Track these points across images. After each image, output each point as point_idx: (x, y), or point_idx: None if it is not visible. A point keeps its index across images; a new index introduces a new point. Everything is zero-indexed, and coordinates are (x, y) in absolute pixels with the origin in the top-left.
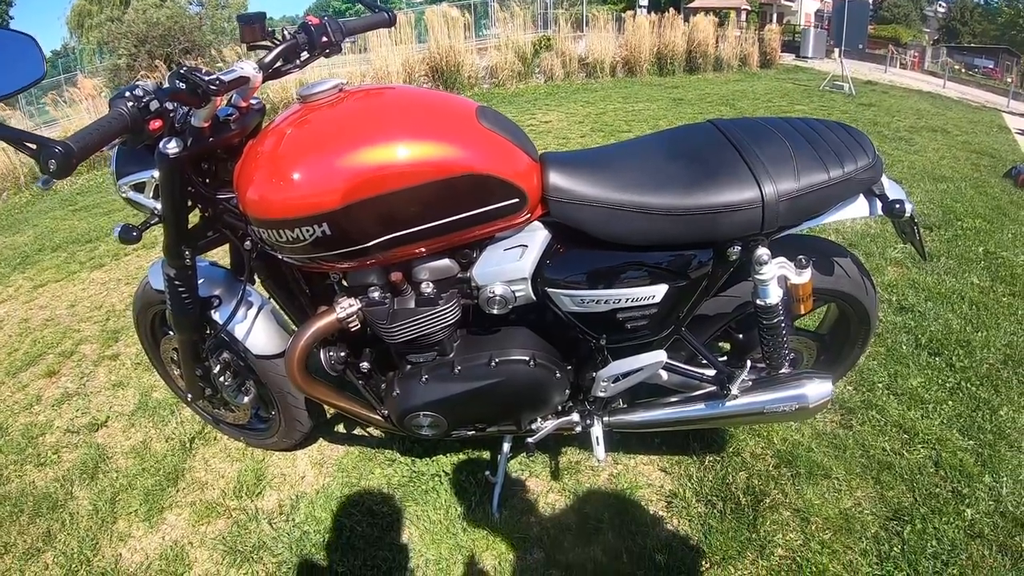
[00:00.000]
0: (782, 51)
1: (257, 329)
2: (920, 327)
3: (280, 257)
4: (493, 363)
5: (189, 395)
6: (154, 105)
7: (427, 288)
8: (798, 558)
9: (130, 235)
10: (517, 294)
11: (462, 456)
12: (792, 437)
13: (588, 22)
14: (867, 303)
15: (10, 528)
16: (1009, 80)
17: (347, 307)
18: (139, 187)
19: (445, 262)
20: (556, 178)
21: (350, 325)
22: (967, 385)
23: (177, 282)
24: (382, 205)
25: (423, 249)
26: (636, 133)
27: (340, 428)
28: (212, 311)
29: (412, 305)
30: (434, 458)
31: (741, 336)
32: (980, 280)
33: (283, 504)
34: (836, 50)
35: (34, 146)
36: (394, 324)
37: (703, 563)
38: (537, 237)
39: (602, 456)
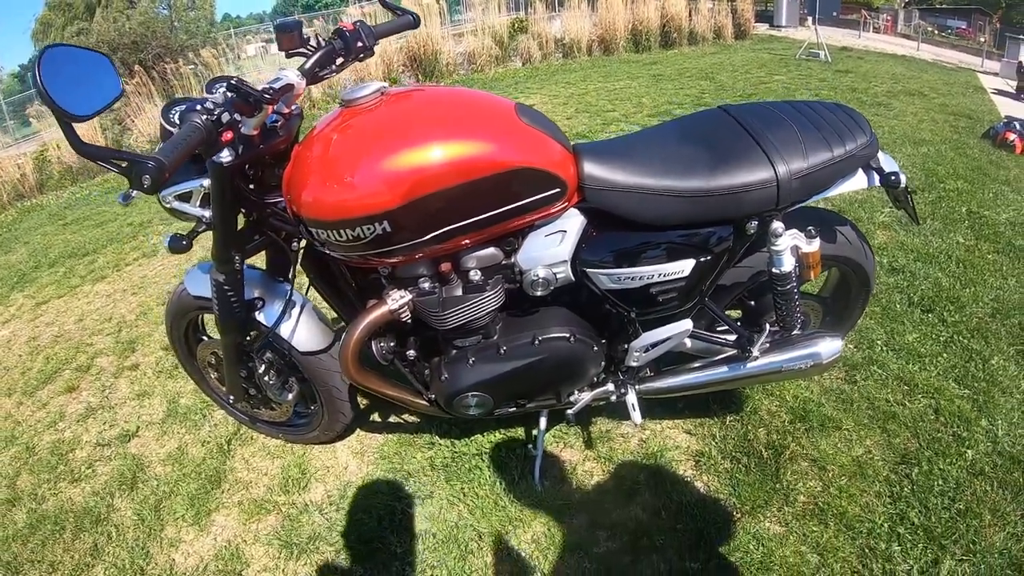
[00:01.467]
0: (756, 21)
1: (301, 326)
2: (912, 286)
3: (330, 255)
4: (536, 342)
5: (231, 397)
6: (225, 117)
7: (475, 276)
8: (820, 503)
9: (180, 244)
10: (558, 276)
11: (498, 435)
12: (802, 395)
13: (561, 1)
14: (867, 266)
15: (54, 547)
16: (982, 40)
17: (398, 299)
18: (183, 196)
19: (491, 250)
20: (591, 167)
21: (402, 316)
22: (959, 338)
23: (226, 287)
24: (440, 200)
25: (472, 240)
26: (621, 112)
27: (375, 417)
28: (256, 312)
29: (460, 293)
30: (472, 438)
31: (753, 303)
32: (965, 239)
33: (331, 494)
34: (809, 18)
35: (124, 163)
36: (444, 312)
37: (735, 513)
38: (574, 223)
39: (639, 420)
